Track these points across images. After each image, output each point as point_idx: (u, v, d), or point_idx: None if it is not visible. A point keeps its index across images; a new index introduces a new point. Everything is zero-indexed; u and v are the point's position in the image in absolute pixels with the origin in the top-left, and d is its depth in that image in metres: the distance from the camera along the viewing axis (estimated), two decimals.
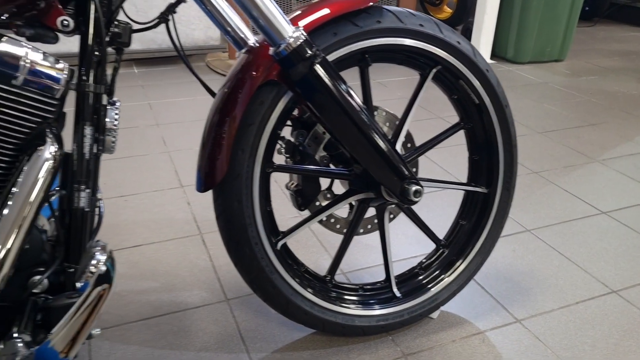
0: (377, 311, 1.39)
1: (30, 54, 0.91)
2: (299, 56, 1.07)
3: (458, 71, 1.32)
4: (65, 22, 0.97)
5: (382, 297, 1.42)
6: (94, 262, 0.85)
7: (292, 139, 1.36)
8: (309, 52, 1.08)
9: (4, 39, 0.90)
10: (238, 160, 1.17)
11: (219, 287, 1.62)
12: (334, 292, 1.39)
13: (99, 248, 0.88)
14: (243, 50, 1.27)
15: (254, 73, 1.15)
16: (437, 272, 1.47)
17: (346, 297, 1.40)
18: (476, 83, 1.34)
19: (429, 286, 1.45)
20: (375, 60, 1.28)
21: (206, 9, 1.25)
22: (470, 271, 1.47)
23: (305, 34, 1.07)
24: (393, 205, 1.38)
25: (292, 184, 1.39)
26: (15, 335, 0.85)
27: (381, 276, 1.47)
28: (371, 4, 1.21)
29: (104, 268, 0.84)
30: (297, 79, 1.09)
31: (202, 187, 1.21)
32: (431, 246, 1.55)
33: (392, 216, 1.42)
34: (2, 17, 0.91)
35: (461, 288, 1.47)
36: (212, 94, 1.26)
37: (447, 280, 1.46)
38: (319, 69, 1.09)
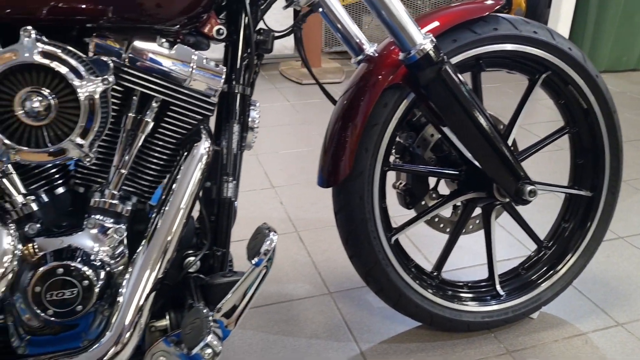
0: (482, 308, 1.44)
1: (196, 58, 1.02)
2: (428, 61, 1.15)
3: (568, 77, 1.36)
4: (221, 30, 1.08)
5: (487, 295, 1.47)
6: (267, 241, 0.94)
7: (402, 141, 1.44)
8: (438, 57, 1.15)
9: (177, 45, 1.02)
10: (362, 159, 1.26)
11: (320, 280, 1.70)
12: (441, 287, 1.44)
13: (268, 228, 0.98)
14: (359, 58, 1.36)
15: (379, 77, 1.23)
16: (540, 272, 1.51)
17: (452, 293, 1.45)
18: (585, 89, 1.38)
19: (533, 286, 1.48)
20: (488, 65, 1.34)
21: (328, 19, 1.35)
22: (573, 273, 1.50)
23: (434, 40, 1.15)
24: (499, 205, 1.43)
25: (400, 183, 1.46)
26: (193, 303, 0.96)
27: (476, 277, 1.52)
28: (488, 13, 1.28)
29: (274, 245, 0.93)
30: (425, 82, 1.17)
31: (324, 184, 1.30)
32: (521, 250, 1.58)
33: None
34: (174, 27, 1.02)
35: (564, 289, 1.50)
36: (333, 101, 1.36)
37: (551, 280, 1.49)
38: (446, 73, 1.16)
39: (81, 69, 0.87)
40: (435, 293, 1.40)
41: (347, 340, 1.47)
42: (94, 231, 0.99)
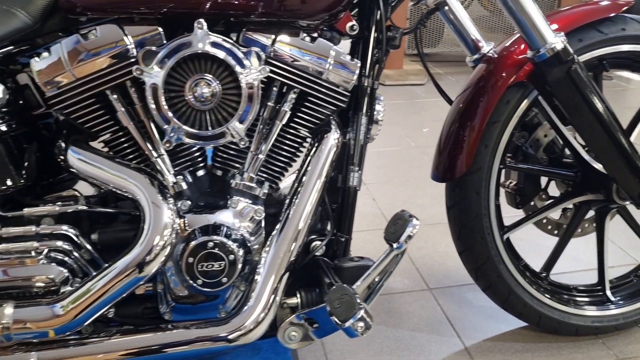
0: (593, 312, 1.42)
1: (334, 53, 1.08)
2: (558, 60, 1.15)
3: None
4: (354, 27, 1.13)
5: (597, 299, 1.45)
6: (410, 227, 0.98)
7: (514, 140, 1.44)
8: (568, 56, 1.15)
9: (318, 40, 1.08)
10: (481, 154, 1.27)
11: (419, 276, 1.73)
12: (551, 288, 1.43)
13: (409, 214, 1.02)
14: (474, 57, 1.38)
15: (503, 74, 1.25)
16: None
17: (562, 295, 1.44)
18: None
19: None
20: (611, 66, 1.32)
21: (448, 18, 1.38)
22: None
23: (565, 39, 1.15)
24: (615, 209, 1.40)
25: (511, 182, 1.46)
26: (332, 282, 1.02)
27: (581, 281, 1.50)
28: (616, 13, 1.26)
29: (416, 231, 0.98)
30: (552, 81, 1.17)
31: (440, 179, 1.33)
32: (625, 258, 1.53)
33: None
34: (315, 23, 1.08)
35: None
36: (450, 101, 1.38)
37: None
38: (575, 72, 1.16)
39: (244, 59, 0.95)
40: (545, 294, 1.40)
41: (450, 336, 1.48)
42: (237, 211, 1.07)
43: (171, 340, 1.02)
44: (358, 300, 0.93)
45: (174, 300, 1.08)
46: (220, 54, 0.93)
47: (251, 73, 0.95)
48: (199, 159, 1.12)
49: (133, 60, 0.99)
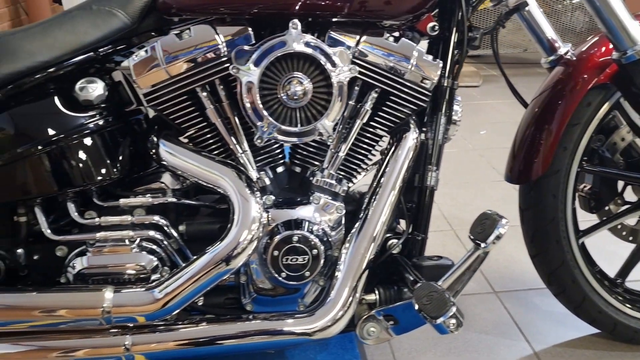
0: None
1: (417, 53, 1.09)
2: None
3: None
4: (435, 27, 1.14)
5: None
6: (500, 227, 0.99)
7: (591, 143, 1.41)
8: None
9: (401, 40, 1.09)
10: (559, 157, 1.26)
11: (484, 279, 1.71)
12: (627, 296, 1.40)
13: (497, 214, 1.02)
14: (551, 58, 1.36)
15: (585, 76, 1.23)
16: None
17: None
18: None
19: None
20: None
21: (525, 18, 1.37)
22: None
23: None
24: None
25: (585, 186, 1.43)
26: (414, 279, 1.03)
27: None
28: None
29: (504, 232, 0.98)
30: None
31: (515, 180, 1.32)
32: None
33: None
34: (398, 24, 1.10)
35: None
36: (525, 104, 1.37)
37: None
38: None
39: (335, 58, 0.97)
40: (622, 301, 1.36)
41: (518, 340, 1.47)
42: (319, 207, 1.09)
43: (253, 330, 1.05)
44: (450, 298, 0.94)
45: (256, 292, 1.12)
46: (314, 54, 0.96)
47: (342, 72, 0.98)
48: (279, 156, 1.15)
49: (224, 59, 1.04)
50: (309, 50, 0.96)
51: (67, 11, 1.05)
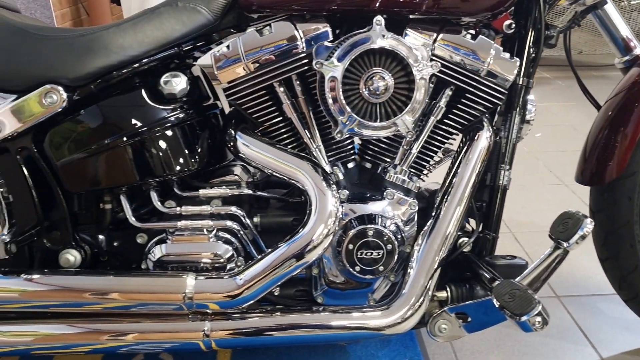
0: None
1: (494, 51, 1.08)
2: None
3: None
4: (512, 25, 1.13)
5: None
6: (585, 227, 0.98)
7: None
8: None
9: (479, 37, 1.09)
10: (636, 159, 1.23)
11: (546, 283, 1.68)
12: None
13: (580, 213, 1.01)
14: (625, 58, 1.32)
15: None
16: None
17: None
18: None
19: None
20: None
21: (600, 17, 1.34)
22: None
23: None
24: None
25: None
26: (492, 276, 1.02)
27: None
28: None
29: (589, 232, 0.97)
30: None
31: (587, 182, 1.29)
32: None
33: None
34: (476, 21, 1.10)
35: None
36: (597, 106, 1.34)
37: None
38: None
39: (417, 54, 0.98)
40: None
41: (583, 345, 1.43)
42: (393, 202, 1.10)
43: (325, 323, 1.06)
44: (534, 295, 0.93)
45: (327, 285, 1.13)
46: (398, 50, 0.97)
47: (425, 68, 0.98)
48: (351, 151, 1.17)
49: (303, 55, 1.06)
50: (394, 46, 0.97)
51: (154, 7, 1.09)
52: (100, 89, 1.06)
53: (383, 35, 0.97)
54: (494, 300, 0.95)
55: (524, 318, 0.91)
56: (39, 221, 1.08)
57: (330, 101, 0.99)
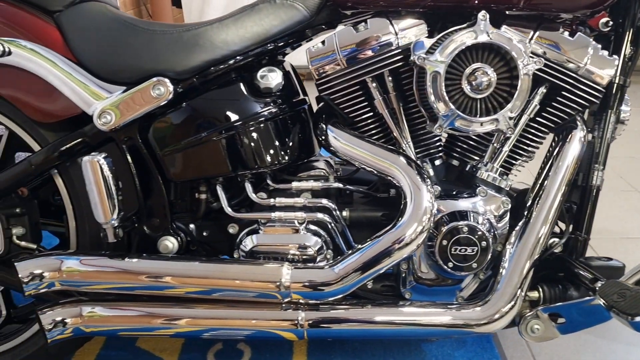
0: None
1: (592, 49, 1.06)
2: None
3: None
4: (609, 23, 1.10)
5: None
6: None
7: None
8: None
9: (577, 35, 1.07)
10: None
11: None
12: None
13: None
14: None
15: None
16: None
17: None
18: None
19: None
20: None
21: None
22: None
23: None
24: None
25: None
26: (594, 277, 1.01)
27: None
28: None
29: None
30: None
31: None
32: None
33: None
34: (574, 18, 1.08)
35: None
36: None
37: None
38: None
39: (521, 50, 0.97)
40: None
41: None
42: (486, 200, 1.10)
43: (419, 318, 1.07)
44: None
45: (415, 281, 1.13)
46: (503, 45, 0.97)
47: (529, 64, 0.97)
48: (438, 148, 1.17)
49: (398, 51, 1.07)
50: (500, 42, 0.96)
51: (253, 4, 1.12)
52: (201, 82, 1.10)
53: (488, 31, 0.97)
54: (600, 301, 0.94)
55: (637, 318, 0.89)
56: (140, 208, 1.12)
57: (432, 96, 0.99)
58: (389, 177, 1.07)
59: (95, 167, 1.03)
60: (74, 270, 1.02)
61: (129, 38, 1.07)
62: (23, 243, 1.15)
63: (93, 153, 1.05)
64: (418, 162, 1.11)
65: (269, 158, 1.11)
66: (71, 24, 1.10)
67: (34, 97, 1.08)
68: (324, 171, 1.21)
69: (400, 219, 1.03)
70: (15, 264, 1.02)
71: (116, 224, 1.06)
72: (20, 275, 1.01)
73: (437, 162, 1.19)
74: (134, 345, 1.43)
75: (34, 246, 1.16)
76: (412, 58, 1.02)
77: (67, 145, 1.09)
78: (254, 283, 1.03)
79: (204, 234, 1.19)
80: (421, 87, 1.03)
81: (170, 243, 1.12)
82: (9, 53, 1.04)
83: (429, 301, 1.11)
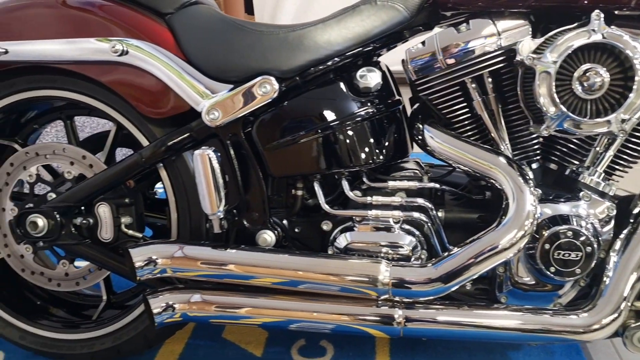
0: None
1: None
2: None
3: None
4: None
5: None
6: None
7: None
8: None
9: None
10: None
11: None
12: None
13: None
14: None
15: None
16: None
17: None
18: None
19: None
20: None
21: None
22: None
23: None
24: None
25: None
26: None
27: None
28: None
29: None
30: None
31: None
32: None
33: None
34: None
35: None
36: None
37: None
38: None
39: (638, 48, 0.94)
40: None
41: None
42: (590, 205, 1.07)
43: (518, 322, 1.05)
44: None
45: (512, 285, 1.12)
46: (617, 45, 0.94)
47: None
48: (536, 151, 1.14)
49: (500, 52, 1.06)
50: (618, 42, 0.94)
51: (354, 5, 1.15)
52: (303, 81, 1.13)
53: (603, 30, 0.94)
54: None
55: None
56: (241, 202, 1.16)
57: (540, 97, 0.98)
58: (490, 179, 1.06)
59: (206, 160, 1.07)
60: (186, 258, 1.07)
61: (237, 38, 1.12)
62: (130, 232, 1.22)
63: (203, 147, 1.10)
64: (519, 163, 1.09)
65: (367, 157, 1.13)
66: (182, 25, 1.15)
67: (147, 94, 1.14)
68: (416, 171, 1.21)
69: (502, 220, 1.01)
70: (130, 250, 1.08)
71: (222, 216, 1.10)
72: (134, 261, 1.07)
73: (534, 166, 1.16)
74: (221, 336, 1.48)
75: (140, 235, 1.22)
76: (518, 58, 1.01)
77: (175, 140, 1.15)
78: (351, 278, 1.05)
79: (296, 230, 1.22)
80: (527, 88, 1.02)
81: (268, 237, 1.16)
82: (126, 53, 1.11)
83: (528, 305, 1.09)
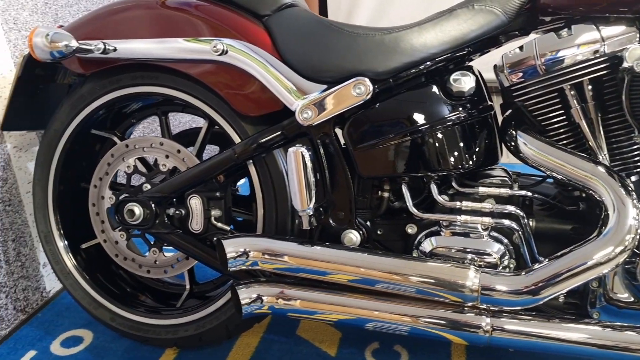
0: None
1: None
2: None
3: None
4: None
5: None
6: None
7: None
8: None
9: None
10: None
11: None
12: None
13: None
14: None
15: None
16: None
17: None
18: None
19: None
20: None
21: None
22: None
23: None
24: None
25: None
26: None
27: None
28: None
29: None
30: None
31: None
32: None
33: None
34: None
35: None
36: None
37: None
38: None
39: None
40: None
41: None
42: None
43: (611, 339, 1.00)
44: None
45: (606, 301, 1.07)
46: None
47: None
48: (637, 163, 1.09)
49: (603, 59, 1.02)
50: None
51: (450, 9, 1.14)
52: (396, 83, 1.13)
53: None
54: None
55: None
56: (328, 200, 1.18)
57: None
58: (588, 189, 1.03)
59: (299, 157, 1.10)
60: (276, 252, 1.10)
61: (333, 40, 1.14)
62: (219, 224, 1.26)
63: (297, 145, 1.12)
64: (620, 174, 1.05)
65: (457, 161, 1.12)
66: (279, 26, 1.19)
67: (243, 92, 1.18)
68: (505, 179, 1.19)
69: (601, 232, 0.98)
70: (223, 241, 1.12)
71: (311, 213, 1.13)
72: (227, 251, 1.11)
73: (634, 178, 1.11)
74: (295, 333, 1.50)
75: (227, 228, 1.27)
76: (626, 65, 0.98)
77: (267, 138, 1.18)
78: (438, 282, 1.04)
79: (379, 231, 1.22)
80: (634, 96, 0.98)
81: (354, 236, 1.17)
82: (226, 52, 1.15)
83: (624, 323, 1.04)
